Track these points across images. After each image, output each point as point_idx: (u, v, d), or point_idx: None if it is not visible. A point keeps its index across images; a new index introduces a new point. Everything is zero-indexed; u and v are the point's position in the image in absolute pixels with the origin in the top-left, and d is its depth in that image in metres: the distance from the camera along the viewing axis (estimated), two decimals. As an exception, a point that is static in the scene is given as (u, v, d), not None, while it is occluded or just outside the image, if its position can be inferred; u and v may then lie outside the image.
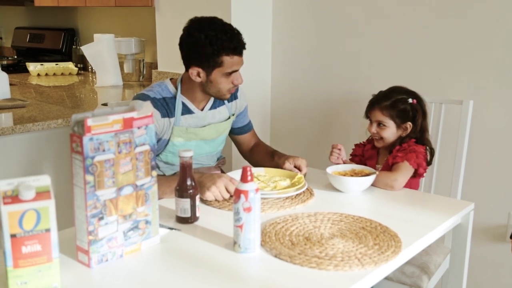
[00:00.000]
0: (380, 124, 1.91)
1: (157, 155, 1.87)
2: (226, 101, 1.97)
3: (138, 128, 1.24)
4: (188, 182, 1.45)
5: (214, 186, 1.59)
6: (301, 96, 2.83)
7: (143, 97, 1.80)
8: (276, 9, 2.84)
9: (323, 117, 2.77)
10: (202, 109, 1.91)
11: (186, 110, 1.87)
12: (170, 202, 1.57)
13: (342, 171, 1.80)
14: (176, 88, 1.87)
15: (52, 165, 2.36)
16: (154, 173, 1.29)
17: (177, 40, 1.81)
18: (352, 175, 1.77)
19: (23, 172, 2.27)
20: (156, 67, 3.25)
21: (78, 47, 4.14)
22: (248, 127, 2.11)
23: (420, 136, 1.91)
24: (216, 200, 1.61)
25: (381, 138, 1.93)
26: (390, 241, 1.34)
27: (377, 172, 1.76)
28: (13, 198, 1.04)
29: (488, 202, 2.24)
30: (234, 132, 2.09)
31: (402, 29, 2.40)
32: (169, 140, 1.85)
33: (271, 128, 3.00)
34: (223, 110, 1.98)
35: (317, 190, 1.75)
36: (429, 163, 1.90)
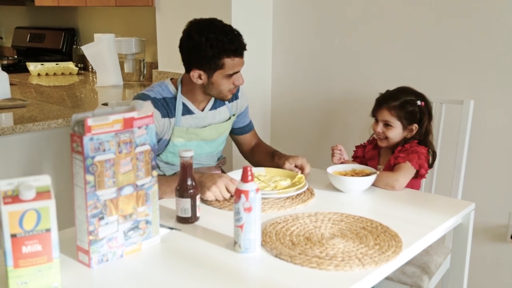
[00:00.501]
0: (387, 124, 1.91)
1: (158, 155, 1.87)
2: (226, 102, 1.97)
3: (139, 128, 1.23)
4: (189, 182, 1.45)
5: (214, 186, 1.59)
6: (301, 96, 2.83)
7: (143, 97, 1.80)
8: (277, 9, 2.84)
9: (323, 117, 2.77)
10: (202, 110, 1.91)
11: (187, 111, 1.87)
12: (171, 202, 1.57)
13: (343, 171, 1.80)
14: (177, 89, 1.87)
15: (52, 165, 2.36)
16: (155, 173, 1.29)
17: (178, 40, 1.81)
18: (352, 175, 1.76)
19: (23, 172, 2.27)
20: (156, 67, 3.24)
21: (78, 47, 4.14)
22: (248, 127, 2.11)
23: (423, 138, 1.91)
24: (216, 200, 1.61)
25: (386, 138, 1.92)
26: (390, 241, 1.34)
27: (378, 172, 1.76)
28: (14, 198, 1.03)
29: (489, 202, 2.24)
30: (234, 132, 2.09)
31: (402, 29, 2.40)
32: (169, 140, 1.85)
33: (271, 128, 3.00)
34: (224, 111, 1.98)
35: (317, 190, 1.74)
36: (430, 166, 1.90)
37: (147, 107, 1.26)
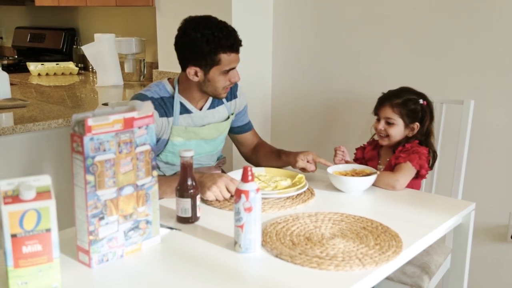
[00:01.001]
0: (388, 121, 1.91)
1: (157, 155, 1.87)
2: (225, 101, 1.97)
3: (139, 128, 1.23)
4: (189, 182, 1.45)
5: (214, 185, 1.59)
6: (301, 96, 2.83)
7: (141, 97, 1.80)
8: (277, 9, 2.84)
9: (323, 117, 2.77)
10: (200, 109, 1.91)
11: (184, 110, 1.87)
12: (171, 202, 1.57)
13: (343, 171, 1.80)
14: (174, 88, 1.87)
15: (53, 165, 2.36)
16: (155, 173, 1.29)
17: (178, 40, 1.81)
18: (353, 175, 1.76)
19: (24, 172, 2.27)
20: (156, 67, 3.25)
21: (78, 47, 4.14)
22: (248, 126, 2.10)
23: (424, 138, 1.91)
24: (216, 200, 1.61)
25: (387, 136, 1.92)
26: (391, 241, 1.34)
27: (378, 172, 1.76)
28: (14, 198, 1.03)
29: (489, 202, 2.24)
30: (234, 131, 2.08)
31: (402, 29, 2.40)
32: (168, 140, 1.85)
33: (271, 128, 3.00)
34: (222, 110, 1.98)
35: (318, 190, 1.74)
36: (430, 166, 1.90)
37: (147, 107, 1.26)
